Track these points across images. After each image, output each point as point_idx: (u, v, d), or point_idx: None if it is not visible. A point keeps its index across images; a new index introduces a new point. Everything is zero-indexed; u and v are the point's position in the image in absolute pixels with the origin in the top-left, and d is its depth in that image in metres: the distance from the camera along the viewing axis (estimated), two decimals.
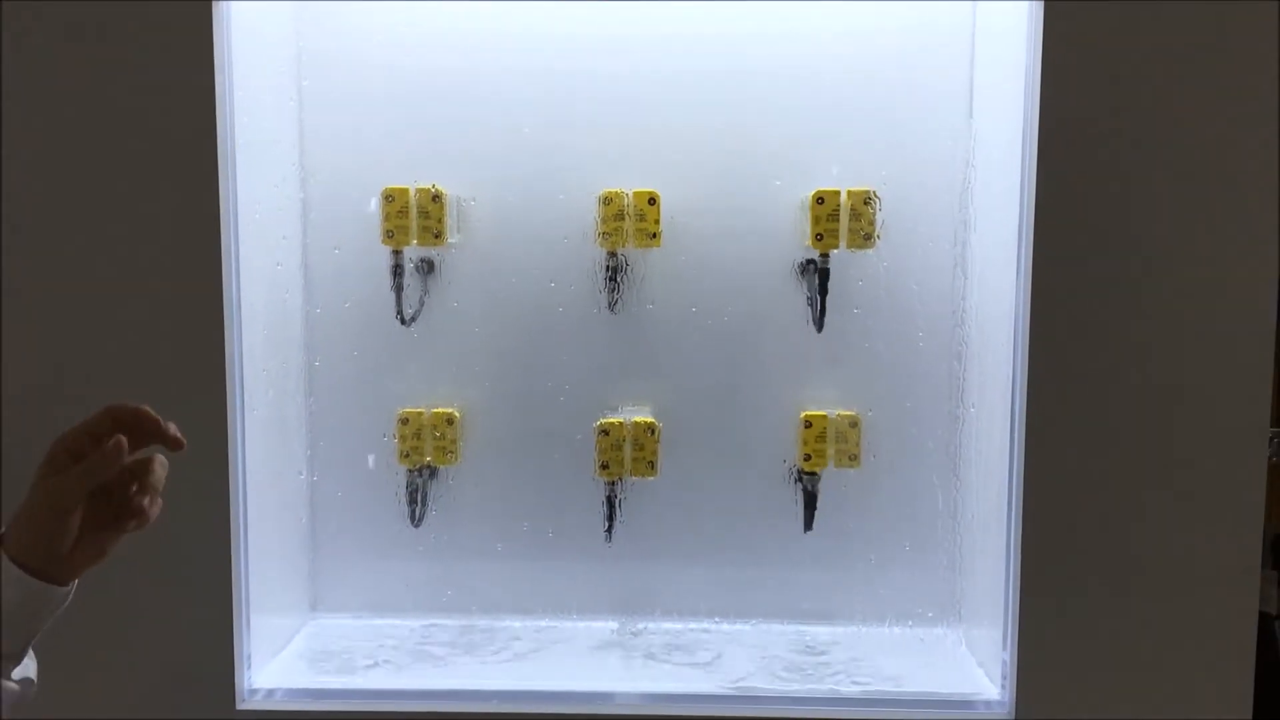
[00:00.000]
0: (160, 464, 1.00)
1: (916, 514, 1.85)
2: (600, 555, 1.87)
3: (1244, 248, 1.49)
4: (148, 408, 0.98)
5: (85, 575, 0.99)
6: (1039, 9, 1.48)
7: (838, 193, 1.73)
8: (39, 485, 0.96)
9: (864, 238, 1.74)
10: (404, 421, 1.82)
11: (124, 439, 0.94)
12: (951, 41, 1.78)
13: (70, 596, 0.98)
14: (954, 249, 1.80)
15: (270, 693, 1.63)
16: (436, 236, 1.77)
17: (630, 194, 1.75)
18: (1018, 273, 1.54)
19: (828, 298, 1.79)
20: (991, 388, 1.67)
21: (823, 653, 1.80)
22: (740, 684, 1.68)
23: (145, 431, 0.98)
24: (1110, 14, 1.46)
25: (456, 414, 1.83)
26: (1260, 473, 1.52)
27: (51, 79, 1.50)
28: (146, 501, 0.98)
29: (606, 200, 1.75)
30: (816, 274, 1.78)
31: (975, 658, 1.76)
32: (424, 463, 1.83)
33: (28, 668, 0.99)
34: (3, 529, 0.97)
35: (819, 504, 1.84)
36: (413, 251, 1.81)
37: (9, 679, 0.97)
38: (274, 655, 1.74)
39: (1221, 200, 1.49)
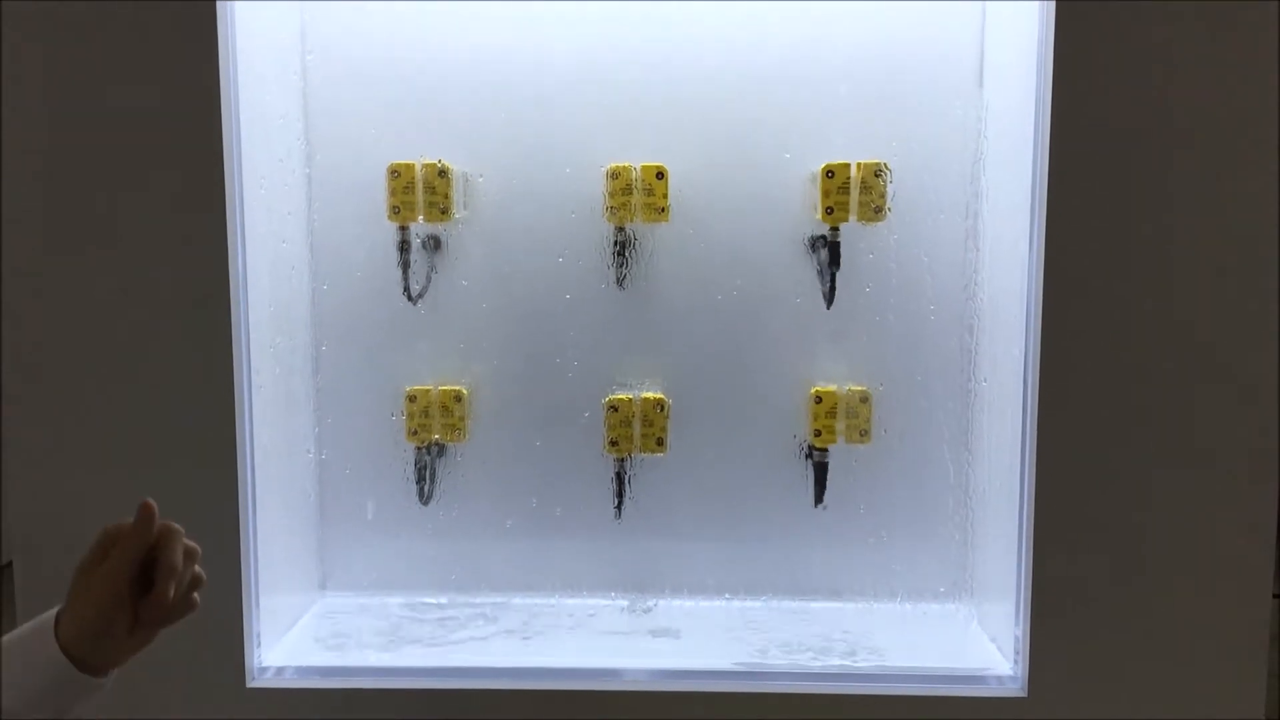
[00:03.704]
0: (193, 552, 1.00)
1: (928, 489, 1.84)
2: (609, 532, 1.86)
3: (1261, 216, 1.47)
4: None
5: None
6: None
7: (848, 166, 1.71)
8: (89, 574, 0.97)
9: (875, 211, 1.73)
10: (411, 399, 1.81)
11: (153, 504, 0.96)
12: (962, 11, 1.75)
13: (106, 688, 0.98)
14: (965, 221, 1.78)
15: (280, 670, 1.63)
16: (443, 212, 1.75)
17: (638, 168, 1.74)
18: (1030, 245, 1.52)
19: (838, 271, 1.77)
20: (1003, 361, 1.65)
21: (834, 628, 1.80)
22: (751, 660, 1.67)
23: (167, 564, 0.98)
24: None
25: (464, 391, 1.82)
26: (1274, 449, 1.51)
27: (55, 55, 1.49)
28: (190, 594, 0.99)
29: (614, 175, 1.74)
30: (826, 248, 1.77)
31: (987, 633, 1.75)
32: (432, 440, 1.83)
33: None
34: (57, 614, 0.98)
35: (829, 479, 1.83)
36: (419, 228, 1.80)
37: None
38: (283, 633, 1.74)
39: (1239, 168, 1.47)
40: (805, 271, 1.80)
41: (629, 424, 1.79)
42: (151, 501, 0.96)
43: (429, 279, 1.82)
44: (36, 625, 0.98)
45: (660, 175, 1.73)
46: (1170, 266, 1.49)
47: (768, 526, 1.87)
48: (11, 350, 1.53)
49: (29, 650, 0.96)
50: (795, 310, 1.81)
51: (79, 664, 0.95)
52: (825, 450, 1.81)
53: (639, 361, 1.83)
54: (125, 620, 0.96)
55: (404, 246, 1.79)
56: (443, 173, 1.74)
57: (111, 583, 0.95)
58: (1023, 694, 1.57)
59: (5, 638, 0.98)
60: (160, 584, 0.96)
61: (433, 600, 1.90)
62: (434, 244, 1.81)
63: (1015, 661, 1.60)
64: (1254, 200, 1.47)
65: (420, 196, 1.75)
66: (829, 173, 1.71)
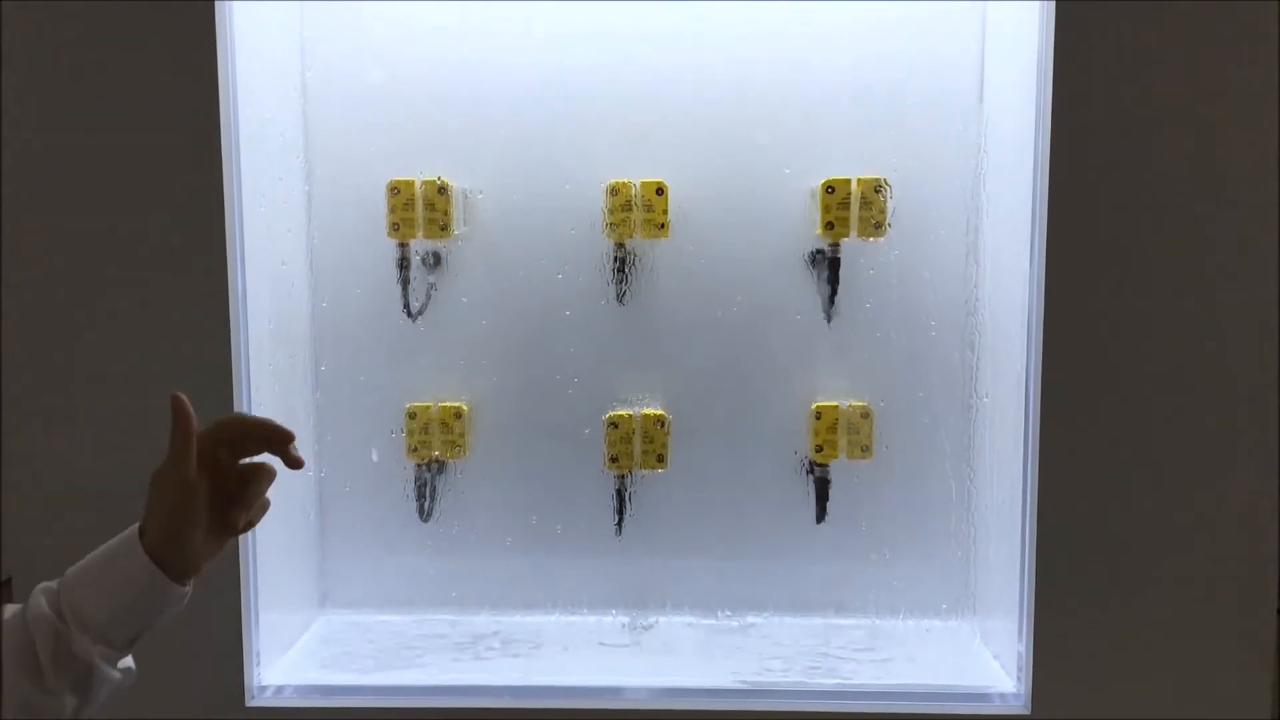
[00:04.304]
0: (270, 474, 1.04)
1: (930, 505, 1.84)
2: (610, 549, 1.86)
3: (1257, 233, 1.47)
4: (277, 423, 1.02)
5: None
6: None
7: (848, 181, 1.71)
8: (156, 479, 1.00)
9: (875, 226, 1.72)
10: (412, 416, 1.81)
11: (182, 396, 1.00)
12: (962, 26, 1.75)
13: (185, 600, 1.01)
14: (966, 236, 1.78)
15: (279, 689, 1.62)
16: (443, 229, 1.75)
17: (638, 184, 1.74)
18: (1031, 259, 1.52)
19: (838, 287, 1.77)
20: (1005, 376, 1.65)
21: (835, 646, 1.79)
22: (751, 678, 1.66)
23: (267, 441, 1.02)
24: None
25: (464, 408, 1.81)
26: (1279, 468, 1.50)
27: (53, 75, 1.49)
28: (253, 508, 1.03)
29: (614, 191, 1.74)
30: (827, 263, 1.77)
31: (990, 650, 1.74)
32: (432, 457, 1.82)
33: (128, 658, 1.03)
34: (140, 526, 1.01)
35: (831, 496, 1.82)
36: (419, 244, 1.80)
37: (115, 667, 1.00)
38: (283, 652, 1.73)
39: (1240, 183, 1.47)
40: (806, 287, 1.80)
41: (629, 440, 1.79)
42: (182, 397, 1.00)
43: (429, 296, 1.82)
44: (120, 537, 1.00)
45: (660, 191, 1.73)
46: (1171, 281, 1.48)
47: (769, 543, 1.86)
48: (10, 369, 1.53)
49: (115, 560, 0.99)
50: (796, 326, 1.81)
51: (163, 569, 0.98)
52: (826, 466, 1.80)
53: (639, 377, 1.83)
54: (201, 520, 0.99)
55: (404, 263, 1.79)
56: (442, 189, 1.74)
57: (183, 482, 0.99)
58: (1026, 711, 1.56)
59: (90, 556, 1.01)
60: (236, 510, 1.01)
61: (433, 618, 1.89)
62: (434, 260, 1.81)
63: (1018, 679, 1.59)
64: (1255, 215, 1.47)
65: (420, 213, 1.75)
66: (829, 188, 1.71)
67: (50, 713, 0.97)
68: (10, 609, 1.01)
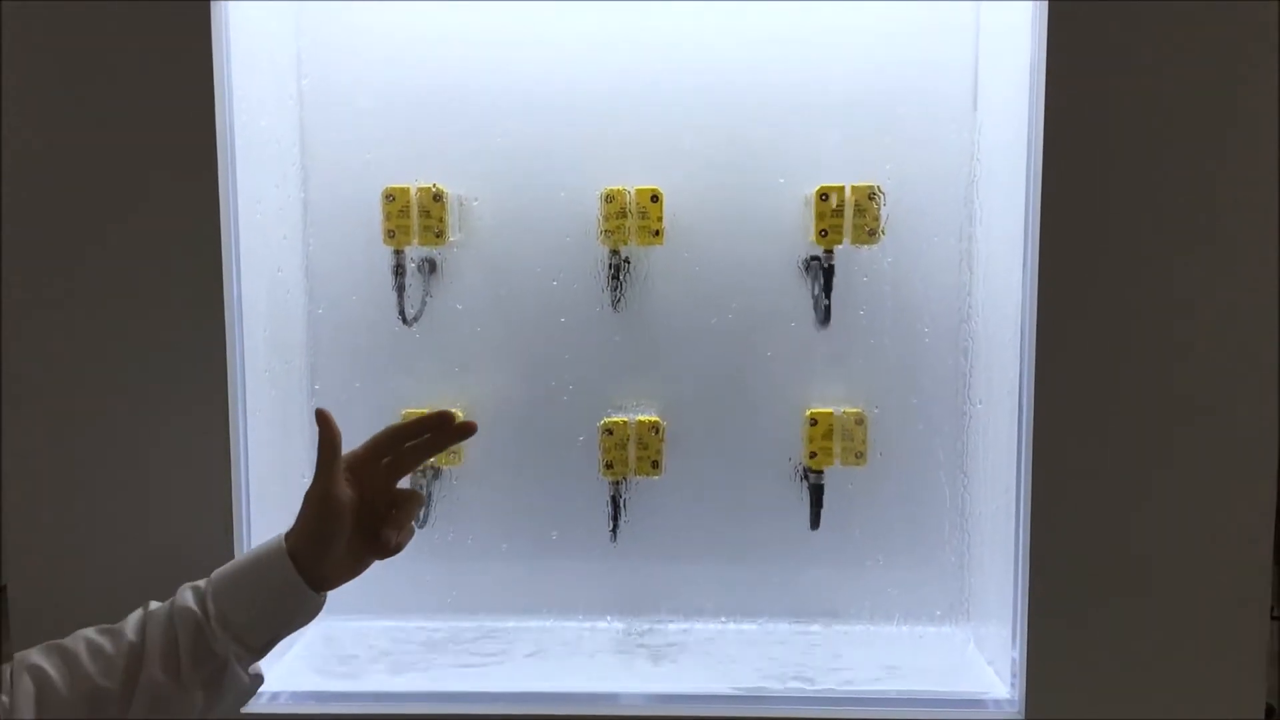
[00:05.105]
0: (420, 500, 1.12)
1: (924, 511, 1.84)
2: (605, 555, 1.86)
3: (1253, 240, 1.48)
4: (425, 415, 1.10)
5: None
6: (1043, 5, 1.46)
7: (842, 188, 1.72)
8: (307, 494, 1.07)
9: (868, 233, 1.73)
10: None
11: (327, 412, 1.07)
12: (955, 33, 1.76)
13: (320, 611, 1.06)
14: (959, 243, 1.78)
15: (275, 695, 1.62)
16: (438, 236, 1.76)
17: (632, 191, 1.74)
18: (1024, 267, 1.52)
19: (832, 294, 1.78)
20: (999, 383, 1.66)
21: (830, 652, 1.79)
22: (746, 684, 1.66)
23: (429, 431, 1.10)
24: (1116, 5, 1.45)
25: (459, 414, 1.82)
26: (1271, 467, 1.51)
27: (48, 82, 1.49)
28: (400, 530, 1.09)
29: (609, 198, 1.74)
30: (821, 270, 1.77)
31: (984, 656, 1.75)
32: (427, 464, 1.82)
33: (259, 664, 1.07)
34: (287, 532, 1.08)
35: (825, 502, 1.82)
36: (414, 251, 1.80)
37: (247, 670, 1.05)
38: (279, 657, 1.73)
39: (1230, 192, 1.47)
40: (800, 294, 1.80)
41: (624, 446, 1.79)
42: (327, 413, 1.06)
43: (424, 302, 1.83)
44: (268, 543, 1.07)
45: (655, 198, 1.74)
46: (1165, 288, 1.49)
47: (764, 549, 1.87)
48: (7, 374, 1.53)
49: (260, 565, 1.05)
50: (790, 333, 1.81)
51: (303, 574, 1.03)
52: (821, 473, 1.81)
53: (634, 384, 1.83)
54: (344, 536, 1.04)
55: (399, 270, 1.79)
56: (438, 196, 1.75)
57: (327, 499, 1.05)
58: (1020, 717, 1.56)
59: (238, 559, 1.08)
60: (388, 530, 1.06)
61: (428, 624, 1.89)
62: (429, 267, 1.82)
63: (1012, 685, 1.59)
64: (1251, 222, 1.47)
65: (415, 220, 1.75)
66: (823, 195, 1.72)
67: (178, 708, 1.01)
68: (155, 605, 1.06)
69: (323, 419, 1.06)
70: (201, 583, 1.06)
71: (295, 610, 1.05)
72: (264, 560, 1.05)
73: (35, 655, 1.01)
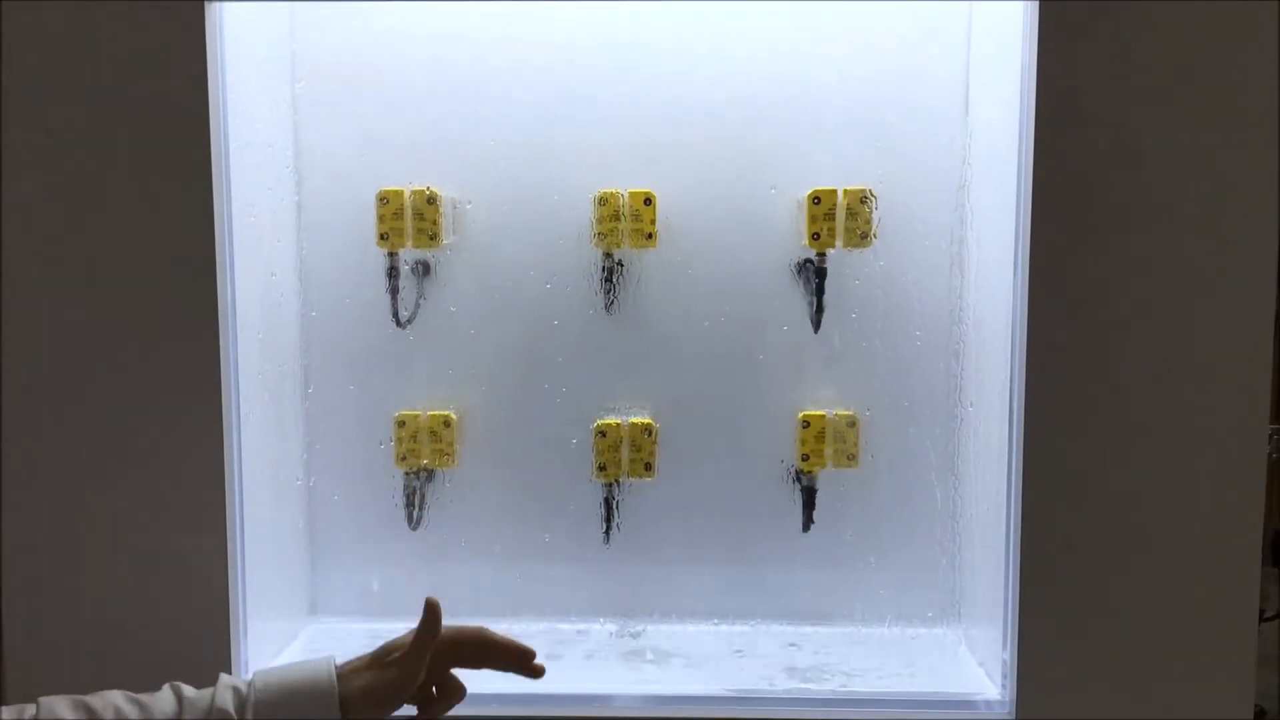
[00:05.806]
0: (463, 694, 1.18)
1: (915, 513, 1.85)
2: (598, 557, 1.86)
3: (1244, 244, 1.48)
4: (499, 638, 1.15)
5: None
6: (1034, 7, 1.47)
7: (834, 192, 1.73)
8: (384, 661, 1.11)
9: (861, 237, 1.74)
10: (401, 424, 1.81)
11: (437, 602, 1.11)
12: (947, 37, 1.77)
13: None
14: (951, 247, 1.79)
15: None
16: (432, 238, 1.76)
17: (626, 194, 1.75)
18: (1015, 270, 1.53)
19: (825, 297, 1.78)
20: (989, 386, 1.66)
21: (822, 653, 1.80)
22: (739, 686, 1.67)
23: (511, 663, 1.16)
24: (1108, 8, 1.46)
25: (453, 416, 1.82)
26: (1260, 469, 1.51)
27: (41, 84, 1.49)
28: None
29: (602, 201, 1.75)
30: (813, 273, 1.78)
31: (975, 657, 1.75)
32: (421, 465, 1.83)
33: None
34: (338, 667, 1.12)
35: (817, 504, 1.83)
36: (408, 254, 1.80)
37: None
38: (272, 660, 1.73)
39: (1221, 197, 1.48)
40: (793, 297, 1.81)
41: (617, 449, 1.79)
42: (436, 603, 1.11)
43: (418, 305, 1.83)
44: (318, 670, 1.09)
45: (648, 201, 1.75)
46: (1157, 291, 1.49)
47: (756, 551, 1.87)
48: (5, 377, 1.53)
49: (303, 692, 1.07)
50: (783, 335, 1.82)
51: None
52: (813, 475, 1.81)
53: (627, 386, 1.84)
54: (399, 706, 1.10)
55: (393, 272, 1.80)
56: (431, 199, 1.75)
57: (405, 686, 1.10)
58: (1010, 717, 1.57)
59: (285, 673, 1.09)
60: (431, 708, 1.15)
61: None
62: (423, 270, 1.82)
63: (1003, 686, 1.60)
64: (1245, 225, 1.48)
65: (409, 223, 1.76)
66: (815, 199, 1.72)
67: None
68: (190, 690, 1.06)
69: (431, 611, 1.10)
70: (243, 686, 1.06)
71: None
72: (313, 694, 1.07)
73: (62, 708, 1.02)
